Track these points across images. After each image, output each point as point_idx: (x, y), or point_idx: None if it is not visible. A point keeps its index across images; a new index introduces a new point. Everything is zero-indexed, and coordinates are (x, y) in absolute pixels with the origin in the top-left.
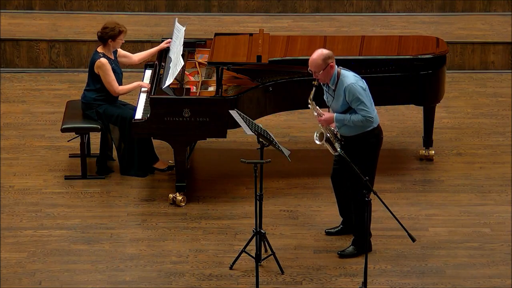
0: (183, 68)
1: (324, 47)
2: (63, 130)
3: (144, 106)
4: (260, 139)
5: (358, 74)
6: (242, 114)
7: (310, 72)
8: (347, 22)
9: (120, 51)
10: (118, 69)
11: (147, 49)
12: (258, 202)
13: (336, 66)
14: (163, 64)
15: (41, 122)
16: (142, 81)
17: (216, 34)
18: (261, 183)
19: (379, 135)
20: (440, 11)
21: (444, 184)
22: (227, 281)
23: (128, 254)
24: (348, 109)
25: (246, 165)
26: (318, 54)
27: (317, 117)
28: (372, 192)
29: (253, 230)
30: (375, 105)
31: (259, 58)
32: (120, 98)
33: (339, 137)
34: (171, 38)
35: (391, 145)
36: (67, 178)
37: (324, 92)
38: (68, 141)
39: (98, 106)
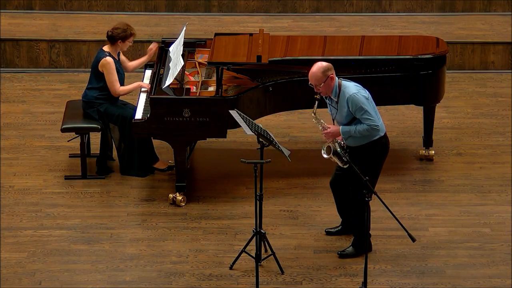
0: (183, 68)
1: (324, 47)
2: (63, 130)
3: (144, 106)
4: (260, 139)
5: (358, 74)
6: (242, 114)
7: (311, 86)
8: (347, 22)
9: (121, 55)
10: (121, 69)
11: (146, 50)
12: (258, 202)
13: (337, 78)
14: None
15: (41, 122)
16: (142, 81)
17: (216, 34)
18: (261, 183)
19: (386, 144)
20: (440, 11)
21: (444, 184)
22: (227, 281)
23: (128, 254)
24: (352, 120)
25: (246, 165)
26: (318, 67)
27: (322, 130)
28: (372, 193)
29: (253, 230)
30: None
31: (259, 58)
32: (120, 98)
33: (345, 147)
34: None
35: (391, 145)
36: (67, 178)
37: (327, 105)
38: (68, 141)
39: (99, 105)
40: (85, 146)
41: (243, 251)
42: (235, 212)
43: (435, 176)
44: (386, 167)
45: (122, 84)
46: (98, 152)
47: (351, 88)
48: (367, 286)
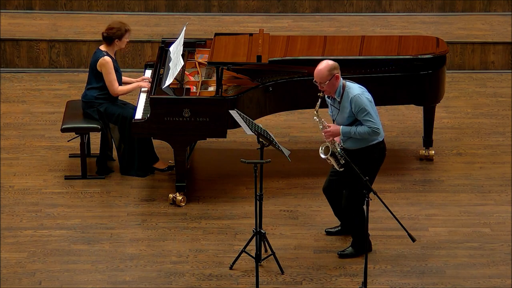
0: (183, 68)
1: (324, 47)
2: (63, 130)
3: (144, 106)
4: (260, 139)
5: (358, 74)
6: (242, 114)
7: (315, 83)
8: (347, 22)
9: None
10: (119, 69)
11: (146, 50)
12: (258, 202)
13: (342, 79)
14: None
15: (41, 122)
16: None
17: (216, 34)
18: (261, 183)
19: (384, 150)
20: (440, 11)
21: (444, 184)
22: (227, 281)
23: (128, 254)
24: (353, 122)
25: (246, 165)
26: (324, 65)
27: (322, 129)
28: (372, 192)
29: (253, 230)
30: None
31: (259, 58)
32: (120, 97)
33: (342, 151)
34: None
35: (391, 145)
36: (67, 178)
37: (329, 105)
38: (68, 141)
39: (99, 104)
40: (85, 146)
41: (243, 251)
42: (235, 212)
43: (435, 176)
44: (386, 167)
45: (120, 82)
46: (98, 152)
47: (356, 89)
48: (367, 286)
